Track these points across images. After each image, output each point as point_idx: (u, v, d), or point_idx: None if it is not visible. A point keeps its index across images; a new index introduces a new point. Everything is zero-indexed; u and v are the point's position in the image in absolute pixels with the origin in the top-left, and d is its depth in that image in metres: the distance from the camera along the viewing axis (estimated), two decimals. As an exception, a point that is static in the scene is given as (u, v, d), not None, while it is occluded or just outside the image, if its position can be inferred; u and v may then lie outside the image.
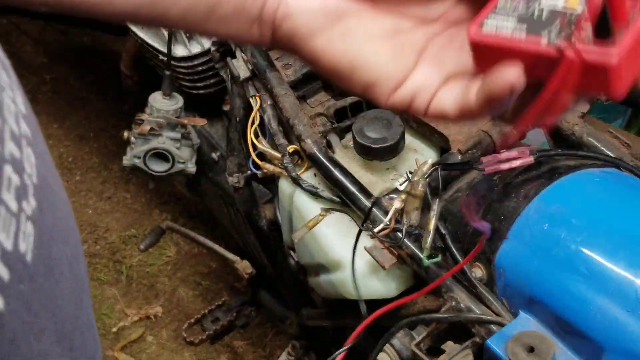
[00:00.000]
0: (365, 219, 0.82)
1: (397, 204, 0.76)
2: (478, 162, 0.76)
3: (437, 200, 0.73)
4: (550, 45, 0.39)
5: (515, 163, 0.76)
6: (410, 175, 0.77)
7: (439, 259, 0.74)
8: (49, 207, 0.31)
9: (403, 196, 0.76)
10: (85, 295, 0.35)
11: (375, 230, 0.78)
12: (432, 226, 0.72)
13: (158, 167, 1.36)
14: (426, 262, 0.73)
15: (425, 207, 0.76)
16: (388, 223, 0.77)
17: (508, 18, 0.43)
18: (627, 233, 0.67)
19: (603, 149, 0.83)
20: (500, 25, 0.43)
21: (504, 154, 0.76)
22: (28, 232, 0.29)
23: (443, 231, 0.75)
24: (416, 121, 0.93)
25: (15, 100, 0.29)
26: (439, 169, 0.75)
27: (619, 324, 0.62)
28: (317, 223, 0.89)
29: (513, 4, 0.43)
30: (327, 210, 0.90)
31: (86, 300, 0.35)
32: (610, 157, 0.80)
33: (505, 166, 0.76)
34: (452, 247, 0.74)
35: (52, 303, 0.32)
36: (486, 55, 0.42)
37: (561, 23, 0.41)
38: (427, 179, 0.75)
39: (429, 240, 0.72)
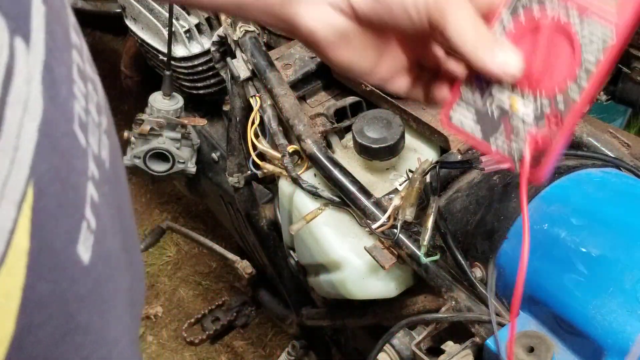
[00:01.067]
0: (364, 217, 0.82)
1: (395, 201, 0.76)
2: (477, 162, 0.76)
3: (435, 198, 0.73)
4: (497, 151, 0.54)
5: None
6: (409, 174, 0.78)
7: (437, 257, 0.74)
8: (110, 127, 0.36)
9: (402, 193, 0.76)
10: (133, 220, 0.40)
11: (374, 226, 0.78)
12: (430, 223, 0.72)
13: (158, 167, 1.36)
14: (424, 259, 0.73)
15: (424, 205, 0.76)
16: (386, 220, 0.77)
17: (468, 113, 0.55)
18: (626, 233, 0.67)
19: (603, 149, 0.83)
20: (463, 121, 0.55)
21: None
22: (104, 142, 0.34)
23: (443, 230, 0.75)
24: (416, 121, 0.93)
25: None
26: (437, 167, 0.75)
27: (619, 324, 0.62)
28: (316, 216, 0.89)
29: (472, 97, 0.54)
30: (326, 204, 0.90)
31: (134, 224, 0.40)
32: (610, 157, 0.80)
33: (504, 166, 0.76)
34: (453, 246, 0.74)
35: (120, 210, 0.36)
36: (456, 134, 0.56)
37: (505, 130, 0.53)
38: (426, 177, 0.75)
39: (427, 237, 0.72)
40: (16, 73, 0.25)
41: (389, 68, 0.54)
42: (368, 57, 0.53)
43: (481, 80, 0.54)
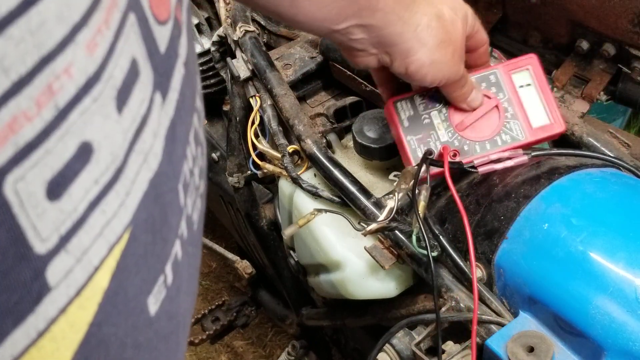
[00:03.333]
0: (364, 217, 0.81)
1: (391, 204, 0.76)
2: (471, 164, 0.77)
3: (425, 186, 0.73)
4: (406, 144, 0.79)
5: (509, 163, 0.76)
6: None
7: (435, 254, 0.74)
8: (204, 193, 0.38)
9: (397, 190, 0.76)
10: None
11: (368, 228, 0.78)
12: (420, 210, 0.72)
13: (158, 167, 1.36)
14: (416, 248, 0.73)
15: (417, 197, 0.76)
16: (382, 219, 0.77)
17: (408, 110, 0.79)
18: (627, 233, 0.67)
19: (603, 149, 0.83)
20: (400, 111, 0.79)
21: (497, 154, 0.76)
22: (197, 205, 0.35)
23: (436, 231, 0.75)
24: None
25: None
26: (427, 162, 0.75)
27: (619, 324, 0.62)
28: (309, 221, 0.89)
29: (419, 104, 0.79)
30: (319, 210, 0.89)
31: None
32: (610, 157, 0.80)
33: (499, 166, 0.76)
34: (447, 245, 0.74)
35: (194, 273, 0.37)
36: (387, 115, 0.81)
37: (422, 137, 0.78)
38: (417, 166, 0.76)
39: (419, 221, 0.72)
40: (149, 124, 0.26)
41: (382, 75, 0.81)
42: (374, 72, 0.81)
43: (433, 102, 0.78)
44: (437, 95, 0.78)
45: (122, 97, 0.25)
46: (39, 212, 0.22)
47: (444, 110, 0.78)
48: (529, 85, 0.79)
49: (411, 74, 0.72)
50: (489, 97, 0.78)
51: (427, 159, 0.75)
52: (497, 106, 0.78)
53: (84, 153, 0.23)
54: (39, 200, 0.22)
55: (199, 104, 0.35)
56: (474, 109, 0.77)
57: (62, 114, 0.22)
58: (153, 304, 0.29)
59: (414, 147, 0.78)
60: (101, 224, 0.24)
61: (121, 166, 0.25)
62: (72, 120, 0.22)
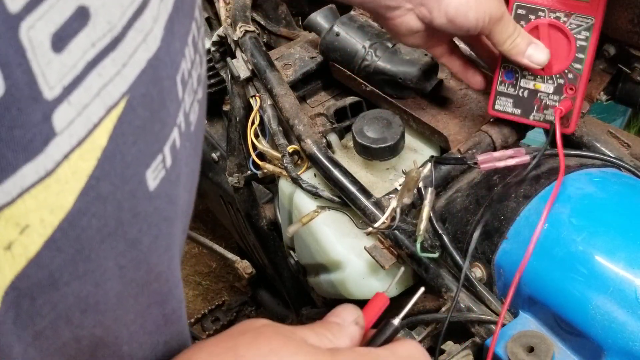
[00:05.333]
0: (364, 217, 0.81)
1: (393, 203, 0.76)
2: (472, 159, 0.77)
3: (430, 189, 0.73)
4: (535, 123, 0.81)
5: (511, 162, 0.76)
6: (405, 171, 0.78)
7: (436, 255, 0.74)
8: (203, 102, 0.39)
9: (399, 204, 0.76)
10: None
11: (369, 228, 0.78)
12: (425, 214, 0.72)
13: (158, 167, 1.36)
14: (419, 252, 0.73)
15: (420, 200, 0.76)
16: (385, 221, 0.77)
17: (507, 101, 0.81)
18: (627, 233, 0.67)
19: (603, 149, 0.83)
20: (504, 107, 0.82)
21: (500, 153, 0.76)
22: (195, 109, 0.37)
23: (440, 231, 0.75)
24: (416, 121, 0.93)
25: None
26: (432, 161, 0.75)
27: (619, 324, 0.62)
28: (312, 219, 0.89)
29: (507, 90, 0.81)
30: (322, 207, 0.89)
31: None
32: (610, 157, 0.80)
33: (501, 164, 0.76)
34: (450, 246, 0.74)
35: (193, 174, 0.39)
36: (501, 116, 0.83)
37: (538, 108, 0.80)
38: (422, 170, 0.75)
39: (422, 227, 0.72)
40: (148, 8, 0.29)
41: (434, 43, 0.82)
42: (424, 39, 0.80)
43: (511, 77, 0.80)
44: (510, 68, 0.80)
45: None
46: (47, 61, 0.24)
47: (524, 72, 0.79)
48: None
49: (452, 18, 0.72)
50: (536, 27, 0.77)
51: (432, 157, 0.75)
52: (537, 27, 0.77)
53: (81, 15, 0.25)
54: (45, 50, 0.24)
55: (197, 15, 0.37)
56: (540, 66, 0.76)
57: None
58: (152, 180, 0.31)
59: (543, 119, 0.81)
60: (99, 86, 0.27)
61: (119, 36, 0.27)
62: None
